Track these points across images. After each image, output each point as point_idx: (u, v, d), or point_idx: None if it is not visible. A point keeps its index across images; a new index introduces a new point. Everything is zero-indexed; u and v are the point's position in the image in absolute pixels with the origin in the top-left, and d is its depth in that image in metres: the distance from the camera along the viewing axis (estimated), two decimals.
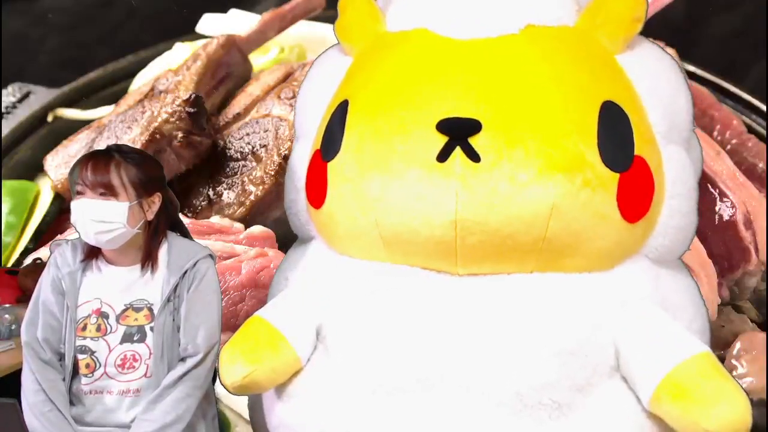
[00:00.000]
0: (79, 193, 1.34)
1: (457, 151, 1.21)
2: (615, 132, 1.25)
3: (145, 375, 1.35)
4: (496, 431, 1.22)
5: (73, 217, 1.35)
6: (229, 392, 1.31)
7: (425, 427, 1.24)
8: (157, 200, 1.38)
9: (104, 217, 1.33)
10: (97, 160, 1.35)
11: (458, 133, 1.21)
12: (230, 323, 1.80)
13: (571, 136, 1.22)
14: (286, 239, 2.00)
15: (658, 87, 1.34)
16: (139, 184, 1.35)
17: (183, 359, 1.35)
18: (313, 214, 1.38)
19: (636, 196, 1.26)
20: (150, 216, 1.37)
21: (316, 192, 1.35)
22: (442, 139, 1.22)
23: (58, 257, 1.39)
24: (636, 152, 1.26)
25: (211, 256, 1.40)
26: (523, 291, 1.26)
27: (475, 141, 1.21)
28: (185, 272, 1.36)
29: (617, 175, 1.24)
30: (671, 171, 1.31)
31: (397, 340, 1.26)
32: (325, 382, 1.31)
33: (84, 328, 1.36)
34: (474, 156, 1.20)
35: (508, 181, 1.20)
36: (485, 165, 1.20)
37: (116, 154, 1.36)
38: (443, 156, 1.21)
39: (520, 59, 1.27)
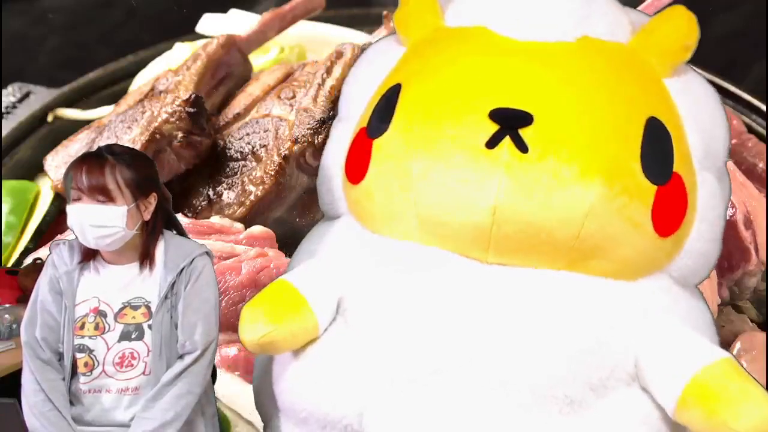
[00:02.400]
0: (75, 198, 1.33)
1: (506, 140, 1.23)
2: (657, 146, 1.28)
3: (143, 373, 1.35)
4: (506, 419, 1.23)
5: (70, 222, 1.34)
6: (247, 349, 1.32)
7: (436, 410, 1.24)
8: (153, 200, 1.37)
9: (103, 221, 1.32)
10: (91, 164, 1.34)
11: (510, 122, 1.24)
12: (230, 323, 1.80)
13: (615, 142, 1.25)
14: (286, 239, 2.01)
15: (699, 114, 1.37)
16: (135, 185, 1.34)
17: (181, 356, 1.35)
18: (349, 189, 1.40)
19: (670, 210, 1.28)
20: (147, 216, 1.37)
21: (357, 167, 1.36)
22: (492, 127, 1.24)
23: (56, 257, 1.39)
24: (674, 169, 1.29)
25: (207, 253, 1.40)
26: (549, 286, 1.28)
27: (524, 133, 1.23)
28: (182, 270, 1.36)
29: (655, 188, 1.26)
30: (703, 196, 1.34)
31: (418, 321, 1.27)
32: (341, 353, 1.31)
33: (82, 327, 1.35)
34: (522, 146, 1.23)
35: (551, 175, 1.22)
36: (531, 157, 1.23)
37: (109, 156, 1.35)
38: (492, 143, 1.23)
39: (574, 65, 1.30)
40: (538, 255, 1.27)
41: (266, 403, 1.42)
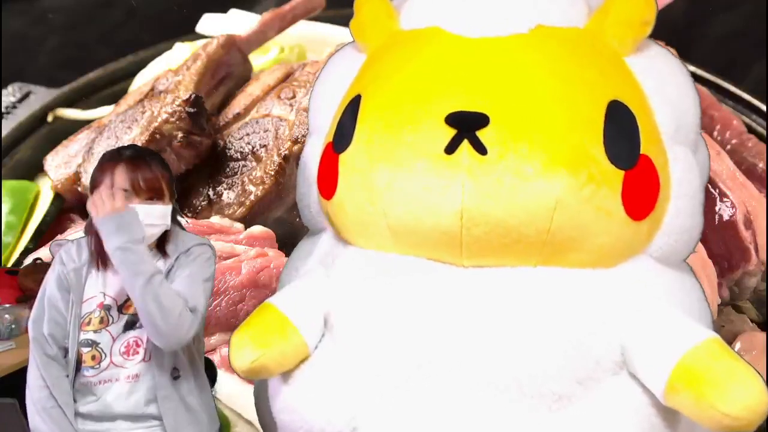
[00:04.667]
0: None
1: (465, 144, 1.23)
2: (621, 130, 1.27)
3: (143, 359, 1.37)
4: (496, 419, 1.23)
5: None
6: (239, 375, 1.34)
7: (427, 413, 1.25)
8: (174, 200, 1.41)
9: (156, 220, 1.37)
10: (142, 165, 1.37)
11: (466, 125, 1.23)
12: (230, 323, 1.80)
13: (576, 132, 1.24)
14: (286, 239, 2.01)
15: (666, 89, 1.35)
16: (171, 185, 1.40)
17: None
18: (324, 205, 1.40)
19: (641, 193, 1.27)
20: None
21: (328, 183, 1.37)
22: (450, 132, 1.24)
23: (64, 255, 1.41)
24: (642, 151, 1.27)
25: (209, 246, 1.42)
26: (527, 283, 1.27)
27: (482, 134, 1.23)
28: (178, 256, 1.38)
29: (622, 173, 1.25)
30: (677, 171, 1.32)
31: (402, 328, 1.28)
32: (330, 368, 1.33)
33: (88, 323, 1.37)
34: (481, 149, 1.22)
35: (514, 173, 1.22)
36: (491, 158, 1.22)
37: (148, 157, 1.40)
38: (451, 148, 1.23)
39: (528, 57, 1.29)
40: (512, 253, 1.27)
41: (267, 420, 1.43)
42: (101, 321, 1.37)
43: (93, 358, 1.37)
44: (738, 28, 3.00)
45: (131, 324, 1.37)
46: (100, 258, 1.39)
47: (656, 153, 1.29)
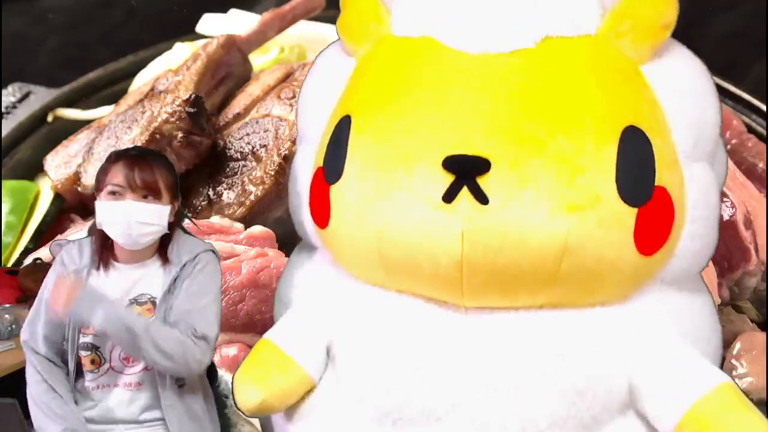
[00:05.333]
0: (114, 194, 1.35)
1: (464, 192, 1.14)
2: (635, 161, 1.17)
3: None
4: None
5: (111, 218, 1.35)
6: (245, 416, 1.33)
7: None
8: (177, 204, 1.41)
9: (150, 219, 1.35)
10: (141, 163, 1.36)
11: (465, 172, 1.14)
12: (230, 323, 1.80)
13: (586, 171, 1.14)
14: (286, 239, 2.00)
15: (686, 100, 1.25)
16: (172, 187, 1.39)
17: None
18: (318, 231, 1.34)
19: (654, 229, 1.19)
20: (172, 217, 1.40)
21: (321, 213, 1.30)
22: (448, 178, 1.14)
23: (65, 256, 1.40)
24: (657, 182, 1.18)
25: (213, 252, 1.41)
26: (530, 328, 1.21)
27: (483, 180, 1.13)
28: (185, 264, 1.37)
29: (635, 210, 1.16)
30: (693, 192, 1.23)
31: (403, 371, 1.24)
32: (332, 405, 1.30)
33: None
34: (482, 197, 1.13)
35: (518, 223, 1.13)
36: (493, 207, 1.13)
37: (150, 157, 1.39)
38: (449, 197, 1.14)
39: (533, 82, 1.17)
40: (516, 297, 1.21)
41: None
42: None
43: (92, 362, 1.36)
44: (738, 28, 3.00)
45: None
46: (101, 260, 1.38)
47: (672, 180, 1.21)
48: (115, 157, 1.38)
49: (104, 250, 1.38)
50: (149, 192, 1.35)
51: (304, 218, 1.38)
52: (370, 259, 1.25)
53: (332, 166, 1.26)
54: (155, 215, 1.35)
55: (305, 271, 1.42)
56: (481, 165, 1.13)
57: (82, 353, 1.36)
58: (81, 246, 1.41)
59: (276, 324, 1.39)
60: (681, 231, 1.23)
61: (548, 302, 1.22)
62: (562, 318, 1.22)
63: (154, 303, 1.36)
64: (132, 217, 1.33)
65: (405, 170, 1.17)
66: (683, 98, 1.24)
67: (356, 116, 1.25)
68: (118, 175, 1.35)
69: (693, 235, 1.24)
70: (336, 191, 1.25)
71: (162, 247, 1.39)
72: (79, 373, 1.37)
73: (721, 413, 1.17)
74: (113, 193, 1.35)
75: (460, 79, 1.19)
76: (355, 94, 1.30)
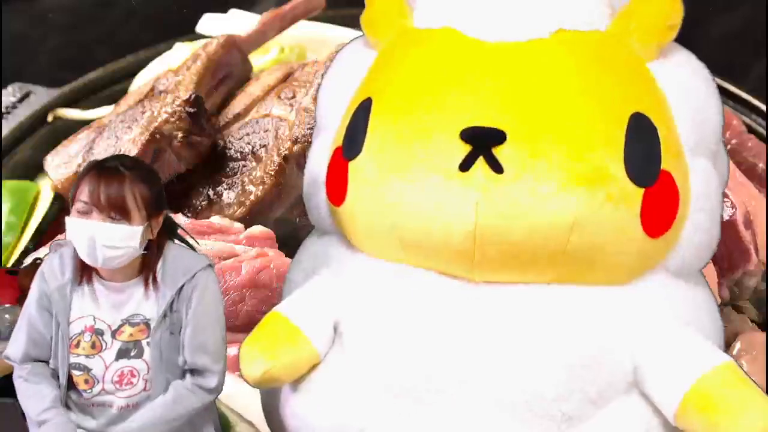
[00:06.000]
0: (82, 211, 1.25)
1: (480, 162, 1.19)
2: (642, 145, 1.23)
3: (144, 389, 1.32)
4: None
5: (75, 236, 1.26)
6: (250, 386, 1.33)
7: (435, 428, 1.24)
8: (161, 219, 1.31)
9: (117, 242, 1.25)
10: (109, 177, 1.25)
11: (482, 143, 1.19)
12: (230, 323, 1.80)
13: (596, 148, 1.20)
14: (286, 239, 2.01)
15: (690, 98, 1.31)
16: (150, 204, 1.27)
17: (192, 372, 1.32)
18: (333, 210, 1.37)
19: (660, 211, 1.24)
20: (154, 234, 1.30)
21: (337, 190, 1.34)
22: (465, 148, 1.20)
23: (46, 270, 1.33)
24: (662, 167, 1.24)
25: (210, 265, 1.34)
26: (539, 301, 1.25)
27: (498, 151, 1.19)
28: (182, 286, 1.30)
29: (642, 190, 1.22)
30: (696, 185, 1.28)
31: (412, 343, 1.26)
32: (339, 378, 1.31)
33: (77, 345, 1.31)
34: (497, 167, 1.19)
35: (530, 193, 1.18)
36: (508, 177, 1.18)
37: (125, 170, 1.26)
38: (465, 165, 1.19)
39: (548, 66, 1.24)
40: (525, 271, 1.24)
41: (275, 420, 1.43)
42: (93, 346, 1.31)
43: (86, 382, 1.32)
44: (738, 28, 3.00)
45: (125, 352, 1.31)
46: (84, 275, 1.32)
47: (677, 168, 1.26)
48: (87, 169, 1.28)
49: (85, 265, 1.30)
50: (115, 212, 1.24)
51: (319, 202, 1.42)
52: (385, 233, 1.28)
53: (351, 144, 1.31)
54: (122, 238, 1.24)
55: (315, 251, 1.45)
56: (497, 136, 1.19)
57: (75, 372, 1.31)
58: (62, 258, 1.32)
59: (286, 298, 1.41)
60: (685, 220, 1.28)
61: (556, 278, 1.25)
62: (570, 293, 1.25)
63: (147, 324, 1.31)
64: (97, 239, 1.24)
65: (423, 142, 1.23)
66: (687, 96, 1.30)
67: (377, 97, 1.31)
68: (84, 191, 1.25)
69: (697, 226, 1.29)
70: (354, 166, 1.30)
71: (146, 267, 1.31)
72: (73, 387, 1.33)
73: (725, 389, 1.19)
74: (80, 210, 1.25)
75: (478, 63, 1.25)
76: (376, 78, 1.36)
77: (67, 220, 1.28)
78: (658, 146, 1.24)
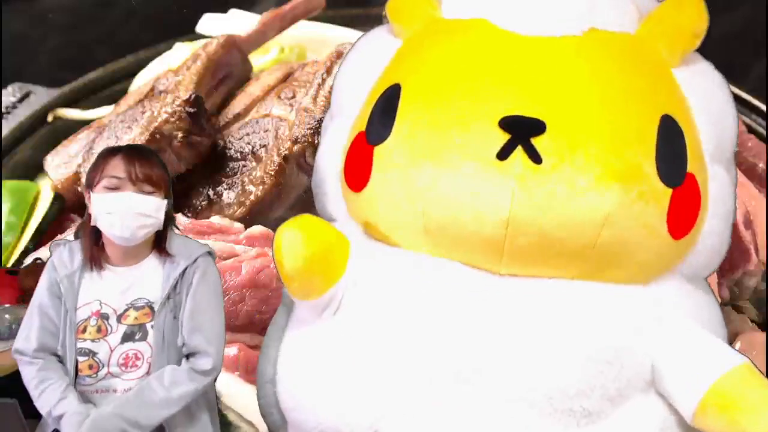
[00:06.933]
0: (111, 187, 1.34)
1: (519, 151, 1.18)
2: (672, 147, 1.24)
3: (147, 373, 1.34)
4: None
5: (108, 209, 1.33)
6: (285, 272, 1.28)
7: (455, 420, 1.23)
8: (170, 201, 1.40)
9: (149, 211, 1.34)
10: (142, 155, 1.37)
11: (522, 132, 1.19)
12: (230, 323, 1.80)
13: (632, 146, 1.21)
14: None
15: (710, 106, 1.33)
16: (167, 182, 1.38)
17: (187, 357, 1.35)
18: (350, 196, 1.36)
19: (684, 212, 1.26)
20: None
21: (358, 175, 1.32)
22: (503, 137, 1.19)
23: (56, 260, 1.38)
24: (688, 169, 1.26)
25: (210, 253, 1.40)
26: (564, 296, 1.25)
27: (537, 142, 1.18)
28: (185, 269, 1.36)
29: (670, 190, 1.23)
30: (714, 190, 1.31)
31: (435, 333, 1.24)
32: (353, 369, 1.29)
33: (84, 331, 1.34)
34: (536, 157, 1.18)
35: (567, 185, 1.18)
36: (546, 167, 1.18)
37: (147, 152, 1.40)
38: (504, 154, 1.19)
39: (584, 62, 1.25)
40: (552, 265, 1.24)
41: (273, 416, 1.40)
42: (99, 330, 1.34)
43: (90, 367, 1.35)
44: (738, 28, 3.00)
45: (129, 336, 1.34)
46: (93, 261, 1.37)
47: (700, 171, 1.28)
48: (110, 152, 1.37)
49: (95, 250, 1.37)
50: (149, 184, 1.35)
51: (329, 189, 1.41)
52: (410, 221, 1.27)
53: (377, 130, 1.30)
54: (154, 208, 1.34)
55: None
56: (538, 126, 1.18)
57: (80, 358, 1.34)
58: (71, 248, 1.39)
59: None
60: (703, 224, 1.30)
61: (579, 274, 1.25)
62: (592, 290, 1.26)
63: (151, 308, 1.35)
64: (132, 208, 1.32)
65: (460, 129, 1.21)
66: (708, 104, 1.33)
67: (407, 83, 1.29)
68: (117, 168, 1.34)
69: (711, 231, 1.31)
70: (381, 151, 1.28)
71: (160, 241, 1.38)
72: (77, 376, 1.35)
73: (745, 389, 1.20)
74: (111, 186, 1.34)
75: (515, 54, 1.26)
76: (404, 64, 1.35)
77: (95, 196, 1.35)
78: (684, 148, 1.26)
